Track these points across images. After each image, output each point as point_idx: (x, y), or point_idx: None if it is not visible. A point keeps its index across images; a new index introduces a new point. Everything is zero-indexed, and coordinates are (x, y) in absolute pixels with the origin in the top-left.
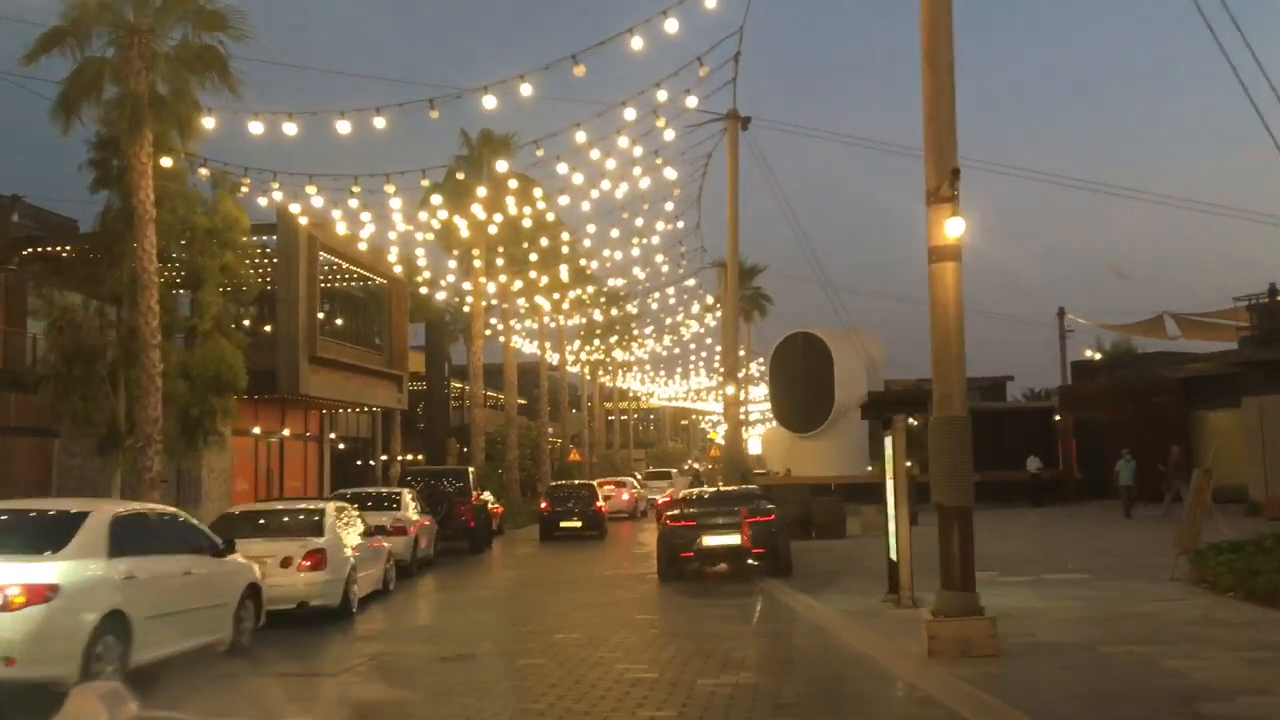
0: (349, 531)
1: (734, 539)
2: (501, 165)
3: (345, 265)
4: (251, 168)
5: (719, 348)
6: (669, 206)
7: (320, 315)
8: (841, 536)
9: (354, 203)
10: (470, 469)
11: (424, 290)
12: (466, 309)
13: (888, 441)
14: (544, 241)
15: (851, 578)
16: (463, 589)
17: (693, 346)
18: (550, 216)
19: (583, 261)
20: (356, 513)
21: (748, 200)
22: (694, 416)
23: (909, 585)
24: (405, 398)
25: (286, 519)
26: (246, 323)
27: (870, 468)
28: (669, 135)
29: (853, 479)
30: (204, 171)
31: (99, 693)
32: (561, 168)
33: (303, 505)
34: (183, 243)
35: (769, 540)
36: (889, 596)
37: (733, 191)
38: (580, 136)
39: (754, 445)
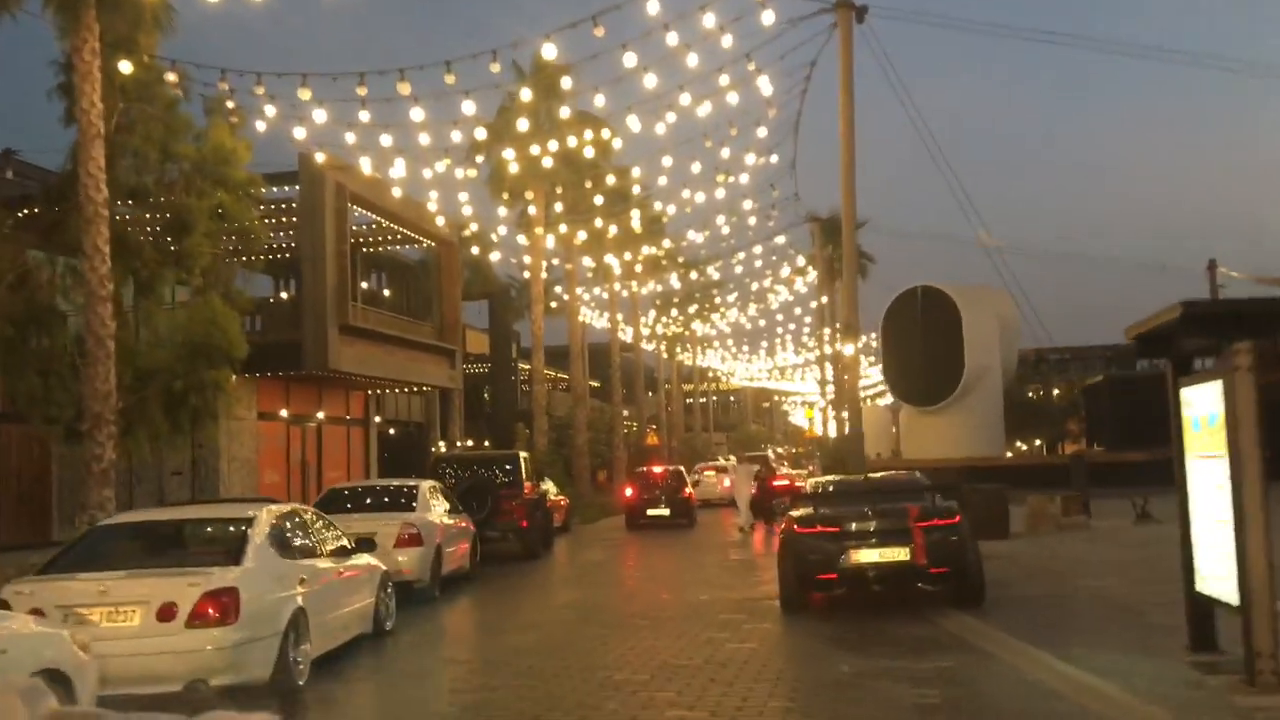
0: (320, 550)
1: (901, 552)
2: (549, 51)
3: (384, 223)
4: (230, 69)
5: (809, 319)
6: (761, 133)
7: (364, 285)
8: (1005, 536)
9: (365, 115)
10: (522, 454)
11: (475, 250)
12: (527, 274)
13: (1200, 391)
14: (611, 180)
15: (1080, 609)
16: (494, 629)
17: (779, 317)
18: (617, 144)
19: (657, 205)
20: (322, 523)
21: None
22: (775, 398)
23: (1270, 650)
24: (460, 375)
25: (186, 536)
26: (282, 295)
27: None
28: (766, 17)
29: (990, 462)
30: (171, 77)
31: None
32: (629, 58)
33: (212, 513)
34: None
35: (953, 554)
36: (1209, 660)
37: (846, 100)
38: (653, 6)
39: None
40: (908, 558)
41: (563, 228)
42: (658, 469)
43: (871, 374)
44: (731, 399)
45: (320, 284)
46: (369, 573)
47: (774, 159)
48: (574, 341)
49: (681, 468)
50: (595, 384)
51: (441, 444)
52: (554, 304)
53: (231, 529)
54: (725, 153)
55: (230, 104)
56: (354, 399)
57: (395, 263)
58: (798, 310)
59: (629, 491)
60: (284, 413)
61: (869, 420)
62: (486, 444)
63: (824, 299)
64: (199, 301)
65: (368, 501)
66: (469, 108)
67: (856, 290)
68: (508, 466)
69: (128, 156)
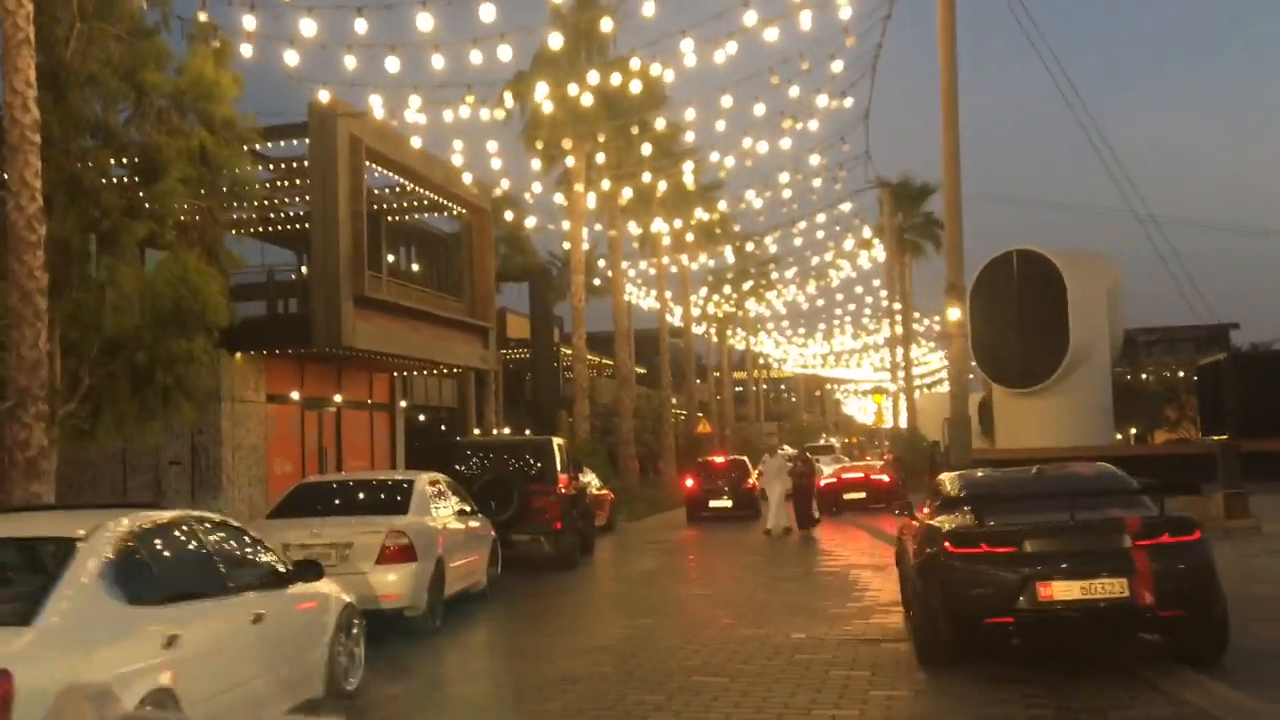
0: (223, 583)
1: (1115, 585)
2: None
3: (409, 187)
4: None
5: (870, 299)
6: (836, 67)
7: (390, 258)
8: None
9: (362, 24)
10: (557, 440)
11: (509, 216)
12: (566, 244)
13: None
14: (660, 125)
15: None
16: (501, 692)
17: (839, 297)
18: (669, 76)
19: (714, 156)
20: (234, 538)
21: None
22: (828, 386)
23: None
24: (494, 355)
25: None
26: (304, 270)
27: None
28: None
29: (1100, 452)
30: None
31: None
32: None
33: (23, 530)
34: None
35: (1195, 589)
36: None
37: (946, 13)
38: None
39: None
40: (1125, 593)
41: (605, 184)
42: (719, 459)
43: (931, 360)
44: (782, 387)
45: (333, 249)
46: (319, 610)
47: (848, 102)
48: (619, 320)
49: (745, 458)
50: (641, 370)
51: (476, 431)
52: (597, 281)
53: (37, 561)
54: (794, 91)
55: (203, 16)
56: (378, 381)
57: (425, 234)
58: (858, 289)
59: (690, 482)
60: (296, 395)
61: (930, 409)
62: (528, 432)
63: (894, 273)
64: (167, 258)
65: (350, 499)
66: (488, 13)
67: (962, 242)
68: (539, 455)
69: (85, 85)
